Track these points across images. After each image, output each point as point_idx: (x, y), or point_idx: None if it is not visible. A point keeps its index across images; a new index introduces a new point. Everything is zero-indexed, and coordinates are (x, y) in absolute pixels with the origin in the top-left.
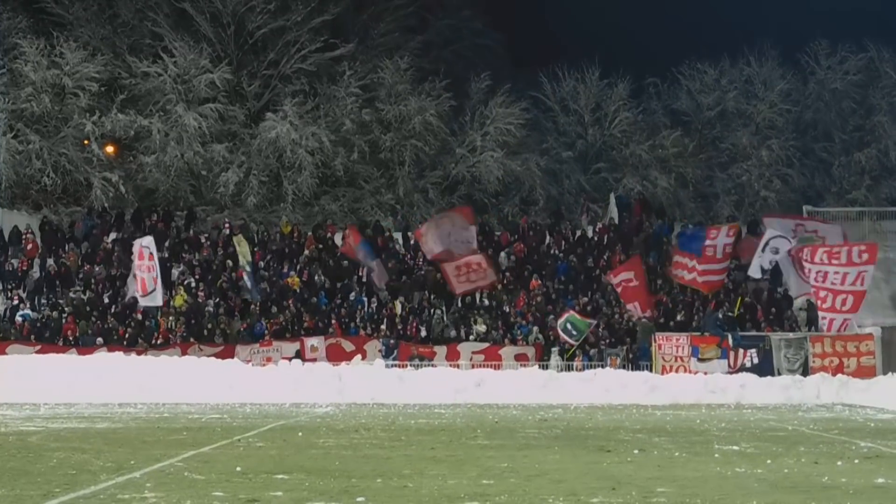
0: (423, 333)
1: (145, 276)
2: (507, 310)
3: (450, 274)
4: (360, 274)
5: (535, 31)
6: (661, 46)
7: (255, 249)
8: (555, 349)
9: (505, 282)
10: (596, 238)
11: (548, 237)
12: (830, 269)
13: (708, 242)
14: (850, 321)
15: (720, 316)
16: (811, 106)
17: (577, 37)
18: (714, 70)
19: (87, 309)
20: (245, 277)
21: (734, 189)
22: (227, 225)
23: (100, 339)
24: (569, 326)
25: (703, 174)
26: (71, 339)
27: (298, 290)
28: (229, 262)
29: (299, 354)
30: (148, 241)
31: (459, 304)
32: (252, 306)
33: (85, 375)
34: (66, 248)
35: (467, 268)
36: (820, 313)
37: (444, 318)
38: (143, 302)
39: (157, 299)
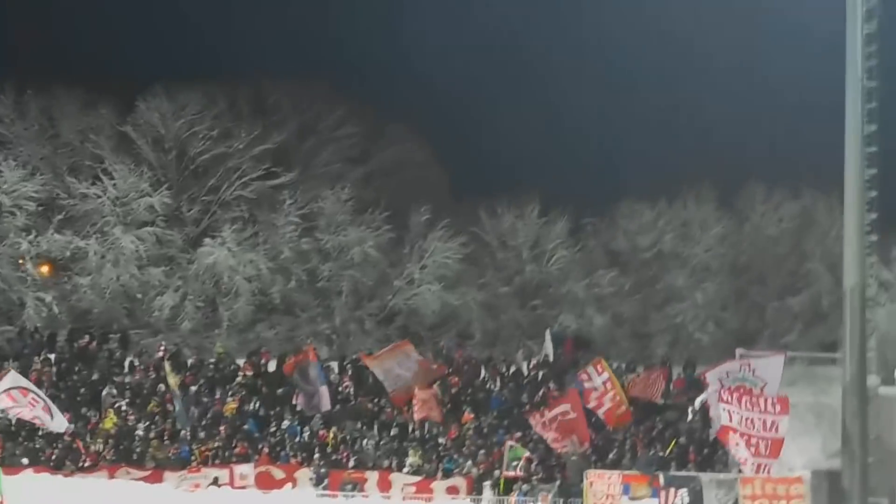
0: (352, 464)
1: (36, 413)
2: (441, 442)
3: (417, 399)
4: (295, 402)
5: (475, 165)
6: (600, 185)
7: (188, 374)
8: (487, 483)
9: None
10: (531, 373)
11: (483, 371)
12: (749, 414)
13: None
14: (771, 466)
15: (651, 455)
16: (746, 250)
17: (516, 173)
18: (652, 211)
19: (14, 429)
20: (175, 403)
21: (669, 329)
22: (160, 348)
23: (25, 460)
24: (514, 462)
25: (639, 314)
26: None
27: (230, 417)
28: (161, 387)
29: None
30: (12, 379)
31: (391, 434)
32: (182, 432)
33: (11, 496)
34: None
35: (432, 399)
36: (732, 451)
37: (377, 448)
38: (51, 428)
39: (61, 424)
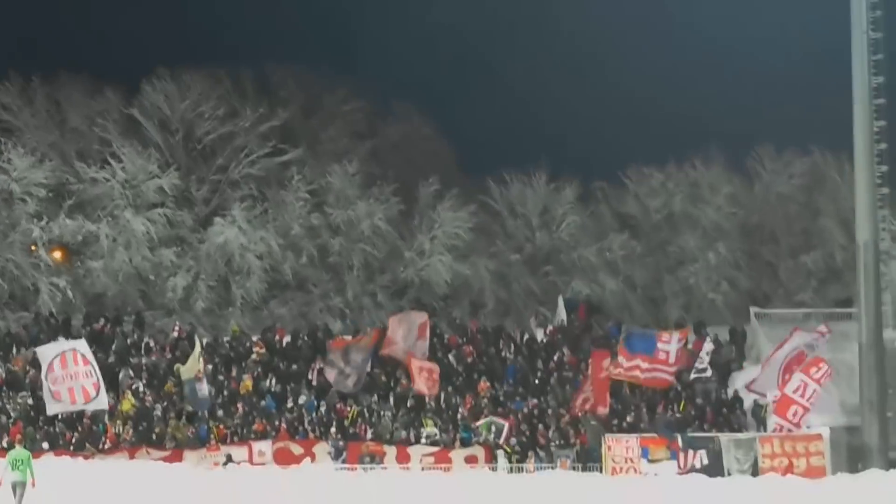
0: (370, 436)
1: (84, 384)
2: (458, 412)
3: (414, 371)
4: (311, 377)
5: (482, 135)
6: (608, 150)
7: (202, 354)
8: (500, 451)
9: (456, 384)
10: (545, 340)
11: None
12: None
13: (660, 346)
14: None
15: (669, 417)
16: (757, 209)
17: (524, 141)
18: (661, 174)
19: (33, 414)
20: (196, 388)
21: (682, 292)
22: (175, 329)
23: (46, 444)
24: (493, 428)
25: (651, 277)
26: (17, 444)
27: (247, 395)
28: (177, 366)
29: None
30: (81, 345)
31: (408, 406)
32: (199, 412)
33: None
34: (13, 353)
35: (428, 373)
36: (776, 419)
37: (394, 421)
38: (88, 407)
39: (103, 403)
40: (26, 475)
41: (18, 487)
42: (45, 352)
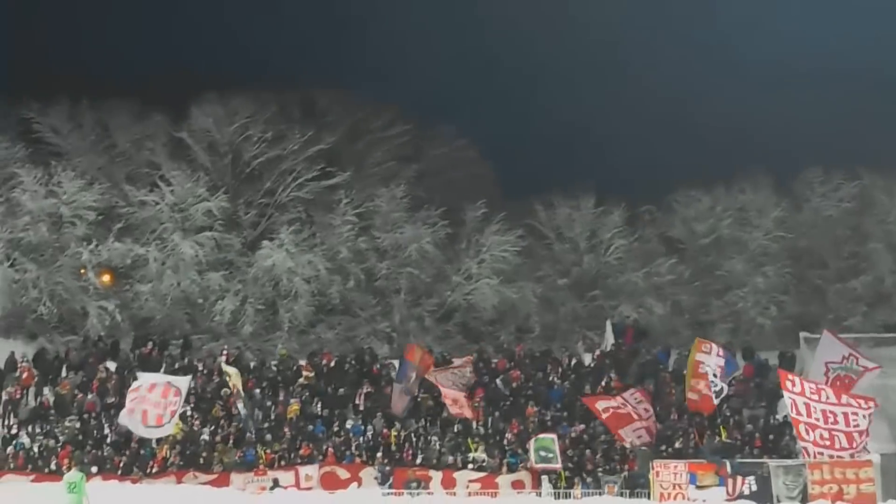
0: (419, 460)
1: (161, 413)
2: (505, 437)
3: (448, 398)
4: (357, 402)
5: (528, 158)
6: (655, 173)
7: (250, 377)
8: (544, 476)
9: (503, 408)
10: (593, 364)
11: (545, 365)
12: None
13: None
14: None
15: (717, 443)
16: (805, 233)
17: (571, 164)
18: (708, 197)
19: (81, 438)
20: (240, 406)
21: (730, 316)
22: (223, 353)
23: (94, 468)
24: (541, 453)
25: (699, 301)
26: (65, 468)
27: (294, 419)
28: (225, 391)
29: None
30: (184, 383)
31: (455, 431)
32: (247, 434)
33: None
34: (61, 376)
35: (454, 402)
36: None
37: (441, 445)
38: (152, 434)
39: (168, 430)
40: (80, 498)
41: None
42: (146, 378)
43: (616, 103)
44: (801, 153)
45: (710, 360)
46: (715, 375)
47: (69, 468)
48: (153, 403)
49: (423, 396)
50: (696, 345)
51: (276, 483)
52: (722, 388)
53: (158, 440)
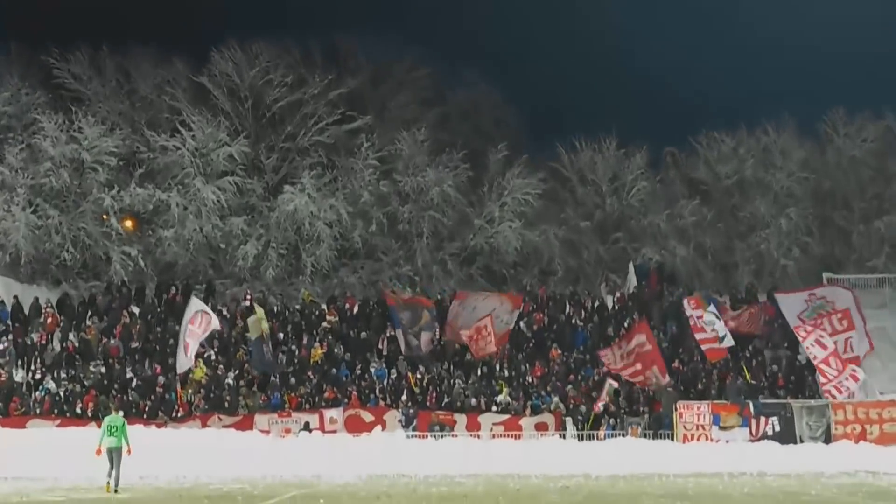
0: (443, 402)
1: (189, 342)
2: (528, 380)
3: (466, 341)
4: (381, 346)
5: (551, 102)
6: (678, 116)
7: (273, 322)
8: (568, 418)
9: (526, 350)
10: (616, 307)
11: (567, 307)
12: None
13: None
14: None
15: (741, 384)
16: (830, 174)
17: (593, 107)
18: (731, 139)
19: (106, 383)
20: (263, 349)
21: (753, 258)
22: (246, 298)
23: (120, 412)
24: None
25: (722, 243)
26: (90, 412)
27: (319, 363)
28: (248, 335)
29: (315, 426)
30: (196, 303)
31: (479, 374)
32: (271, 378)
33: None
34: (86, 322)
35: (477, 333)
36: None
37: (464, 388)
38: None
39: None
40: (121, 441)
41: (115, 453)
42: (193, 305)
43: (641, 46)
44: (825, 92)
45: (699, 312)
46: (713, 324)
47: (94, 413)
48: (197, 334)
49: (447, 339)
50: (684, 307)
51: (306, 426)
52: (725, 334)
53: (183, 383)
